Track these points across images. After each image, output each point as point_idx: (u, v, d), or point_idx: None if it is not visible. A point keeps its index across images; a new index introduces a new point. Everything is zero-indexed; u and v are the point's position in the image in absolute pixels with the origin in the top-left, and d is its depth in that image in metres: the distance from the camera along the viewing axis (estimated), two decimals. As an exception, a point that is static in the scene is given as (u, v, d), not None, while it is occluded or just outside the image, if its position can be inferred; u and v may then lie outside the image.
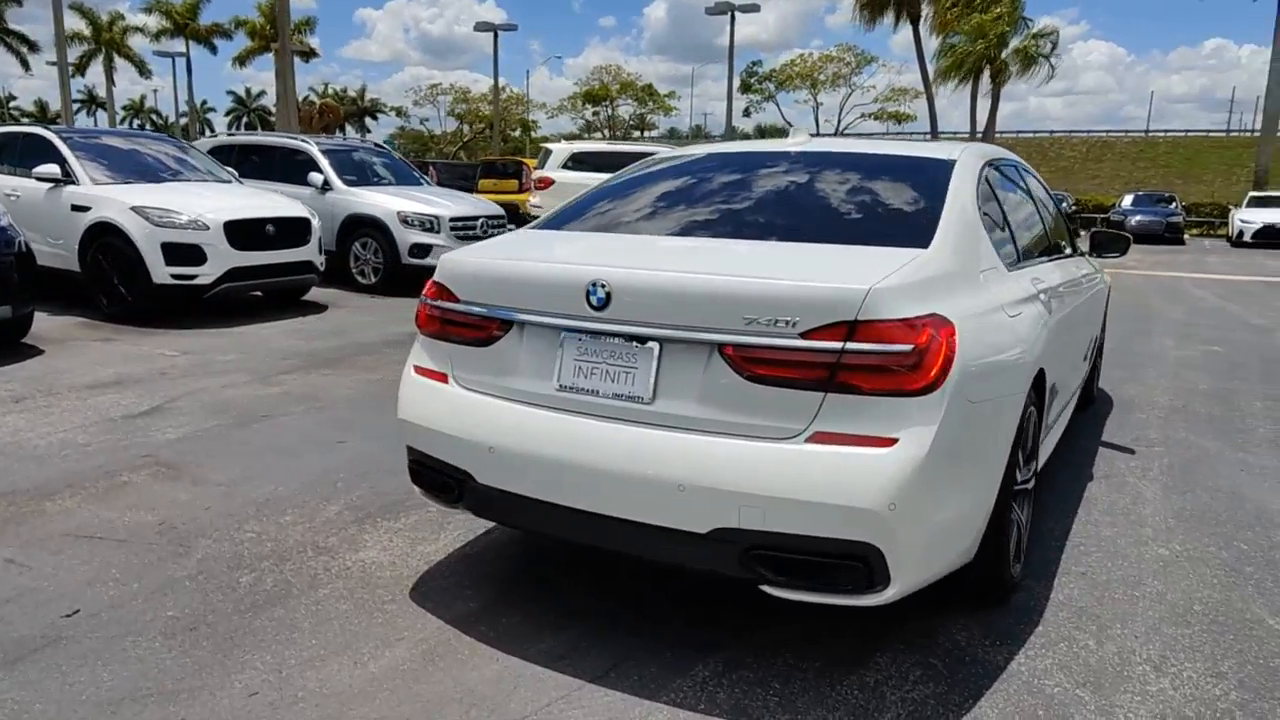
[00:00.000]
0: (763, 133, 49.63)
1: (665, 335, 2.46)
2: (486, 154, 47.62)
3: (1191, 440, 5.15)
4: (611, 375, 2.55)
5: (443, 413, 2.84)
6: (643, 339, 2.51)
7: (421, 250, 10.36)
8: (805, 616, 2.88)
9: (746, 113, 46.02)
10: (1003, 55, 32.37)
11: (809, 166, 3.29)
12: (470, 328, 2.83)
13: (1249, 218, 24.84)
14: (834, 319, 2.27)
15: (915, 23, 36.95)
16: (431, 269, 3.01)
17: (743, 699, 2.47)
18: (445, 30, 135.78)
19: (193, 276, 8.06)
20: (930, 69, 35.91)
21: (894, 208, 2.97)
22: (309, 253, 9.10)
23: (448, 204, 10.96)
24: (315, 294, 9.92)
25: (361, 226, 10.62)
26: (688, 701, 2.45)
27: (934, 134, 37.75)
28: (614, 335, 2.54)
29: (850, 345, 2.26)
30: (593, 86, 52.36)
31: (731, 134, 37.15)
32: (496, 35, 43.81)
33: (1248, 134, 55.60)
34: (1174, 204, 27.71)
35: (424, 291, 3.04)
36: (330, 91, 62.68)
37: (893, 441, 2.26)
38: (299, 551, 3.38)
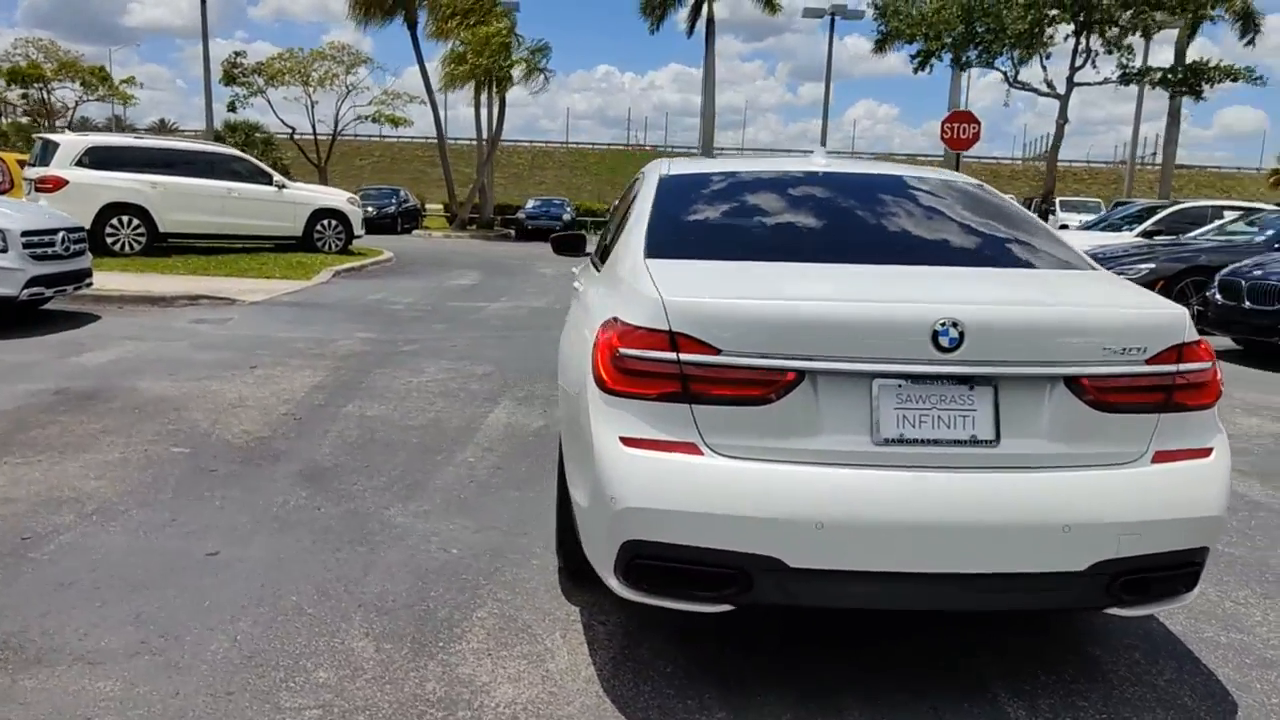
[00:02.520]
0: (234, 129, 45.15)
1: (1005, 372, 2.35)
2: None
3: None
4: (946, 421, 2.35)
5: (714, 492, 2.30)
6: (976, 379, 2.35)
7: (-17, 276, 7.64)
8: (1008, 630, 2.97)
9: (232, 108, 41.44)
10: (507, 66, 34.09)
11: (907, 189, 3.31)
12: (741, 384, 2.34)
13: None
14: (1172, 342, 2.41)
15: (413, 28, 37.02)
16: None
17: (1085, 725, 2.49)
18: None
19: None
20: (434, 75, 36.37)
21: (1022, 232, 3.15)
22: None
23: (10, 213, 8.22)
24: None
25: None
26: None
27: (440, 139, 38.35)
28: (950, 378, 2.34)
29: (1182, 366, 2.42)
30: (17, 63, 42.48)
31: (210, 130, 33.26)
32: None
33: (648, 148, 66.12)
34: (565, 205, 34.18)
35: (615, 343, 2.41)
36: None
37: (1209, 451, 2.48)
38: (414, 711, 2.44)
